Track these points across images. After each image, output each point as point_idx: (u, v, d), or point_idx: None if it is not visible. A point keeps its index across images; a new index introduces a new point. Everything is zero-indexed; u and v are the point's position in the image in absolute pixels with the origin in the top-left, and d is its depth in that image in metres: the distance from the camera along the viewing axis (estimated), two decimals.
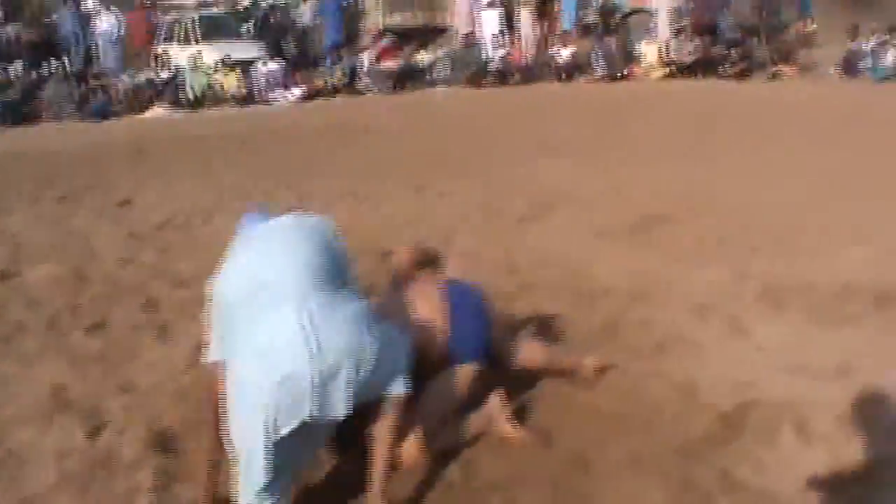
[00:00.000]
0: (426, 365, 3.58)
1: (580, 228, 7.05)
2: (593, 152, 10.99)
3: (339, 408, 2.80)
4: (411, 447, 3.38)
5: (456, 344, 3.66)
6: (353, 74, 21.94)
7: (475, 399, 3.68)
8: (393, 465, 3.24)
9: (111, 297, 5.70)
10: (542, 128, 13.50)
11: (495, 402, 3.67)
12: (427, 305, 3.73)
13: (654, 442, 3.63)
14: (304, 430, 2.83)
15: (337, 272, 3.10)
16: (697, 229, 6.89)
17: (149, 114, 19.70)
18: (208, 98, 20.51)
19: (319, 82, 21.63)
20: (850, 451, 3.51)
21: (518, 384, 4.09)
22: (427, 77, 22.75)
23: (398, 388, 3.04)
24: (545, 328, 4.86)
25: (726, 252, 6.20)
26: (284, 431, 2.72)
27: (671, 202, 7.81)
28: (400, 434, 3.26)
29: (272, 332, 2.81)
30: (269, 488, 2.80)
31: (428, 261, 4.34)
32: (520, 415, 3.82)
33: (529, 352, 4.09)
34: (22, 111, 18.16)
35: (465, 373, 3.62)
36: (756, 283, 5.44)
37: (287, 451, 2.81)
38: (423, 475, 3.41)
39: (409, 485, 3.35)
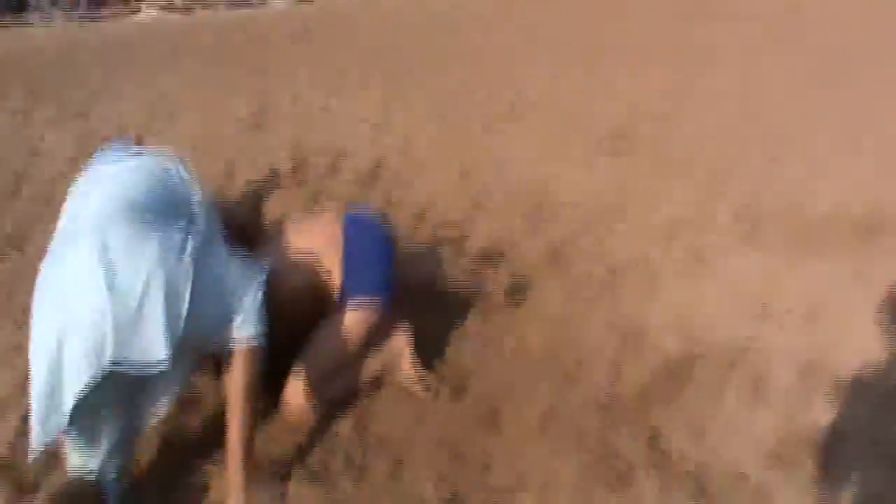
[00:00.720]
0: (315, 305, 3.07)
1: (548, 139, 6.39)
2: (583, 52, 10.17)
3: (156, 350, 2.26)
4: (295, 399, 2.88)
5: (350, 280, 3.06)
6: None
7: (376, 345, 3.15)
8: (276, 423, 2.86)
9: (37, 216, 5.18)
10: (538, 24, 12.61)
11: (399, 341, 3.17)
12: (318, 237, 3.15)
13: (580, 396, 3.10)
14: (131, 382, 2.39)
15: (168, 210, 2.63)
16: (675, 142, 6.22)
17: (140, 16, 19.04)
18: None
19: None
20: (809, 416, 2.95)
21: (437, 320, 3.57)
22: None
23: (245, 331, 2.50)
24: (485, 255, 4.31)
25: (702, 169, 5.54)
26: (84, 378, 2.20)
27: (651, 111, 7.10)
28: (275, 388, 2.85)
29: (66, 271, 2.32)
30: (86, 447, 2.40)
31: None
32: (431, 357, 3.32)
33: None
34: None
35: (359, 314, 3.02)
36: (729, 207, 4.82)
37: (105, 405, 2.38)
38: (305, 431, 2.92)
39: (286, 442, 2.88)
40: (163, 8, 19.48)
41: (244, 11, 19.19)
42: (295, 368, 2.90)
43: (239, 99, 8.10)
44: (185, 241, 2.44)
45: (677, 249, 4.30)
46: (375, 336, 3.11)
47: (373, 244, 3.20)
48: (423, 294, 3.74)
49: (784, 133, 6.25)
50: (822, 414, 2.94)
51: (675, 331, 3.50)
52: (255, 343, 2.51)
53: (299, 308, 3.01)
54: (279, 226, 3.54)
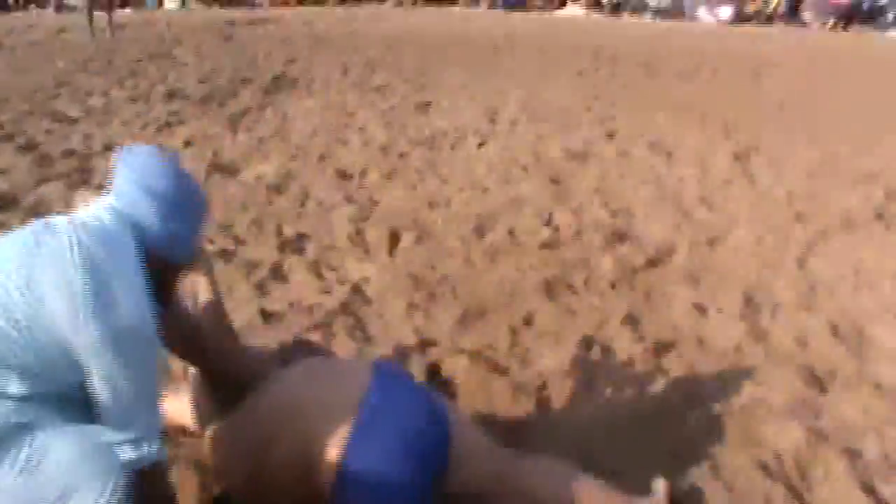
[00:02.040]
0: (301, 489, 1.99)
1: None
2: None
3: None
4: None
5: (349, 482, 1.94)
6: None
7: None
8: None
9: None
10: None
11: None
12: (331, 390, 2.10)
13: None
14: None
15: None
16: None
17: (565, 11, 19.14)
18: (629, 4, 19.37)
19: (753, 4, 19.34)
20: None
21: None
22: (881, 18, 19.32)
23: None
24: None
25: None
26: None
27: None
28: None
29: None
30: None
31: None
32: None
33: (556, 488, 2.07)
34: None
35: None
36: None
37: None
38: None
39: None
40: (589, 6, 19.42)
41: (668, 23, 18.45)
42: None
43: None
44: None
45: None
46: None
47: (400, 424, 2.04)
48: None
49: None
50: None
51: None
52: None
53: (279, 487, 2.03)
54: (286, 364, 2.32)
